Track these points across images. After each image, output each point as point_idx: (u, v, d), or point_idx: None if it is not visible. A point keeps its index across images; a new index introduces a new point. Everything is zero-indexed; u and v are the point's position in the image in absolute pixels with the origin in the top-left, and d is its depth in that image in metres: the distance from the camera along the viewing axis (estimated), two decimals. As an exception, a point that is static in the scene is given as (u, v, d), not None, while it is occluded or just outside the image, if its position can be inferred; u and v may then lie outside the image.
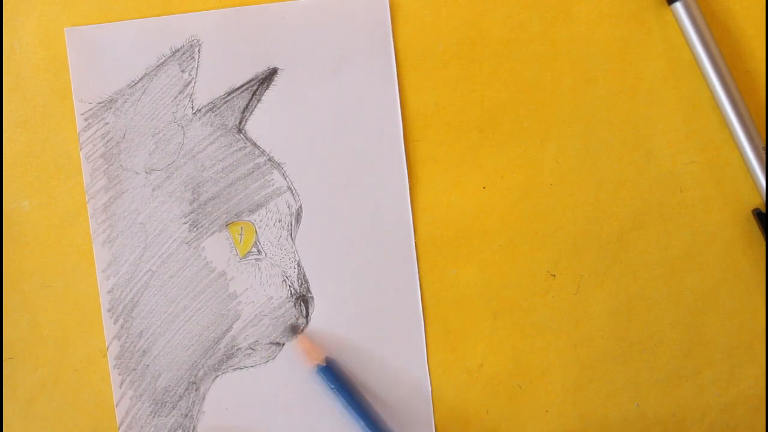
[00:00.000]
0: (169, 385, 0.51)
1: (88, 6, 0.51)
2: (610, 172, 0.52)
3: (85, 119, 0.50)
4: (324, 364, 0.50)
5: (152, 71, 0.50)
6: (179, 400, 0.51)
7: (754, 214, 0.52)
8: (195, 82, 0.50)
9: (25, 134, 0.51)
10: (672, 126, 0.52)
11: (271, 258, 0.51)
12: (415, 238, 0.52)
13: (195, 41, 0.50)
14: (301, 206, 0.51)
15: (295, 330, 0.51)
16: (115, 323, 0.51)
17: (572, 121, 0.52)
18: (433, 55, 0.52)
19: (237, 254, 0.51)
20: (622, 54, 0.52)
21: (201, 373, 0.51)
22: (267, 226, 0.51)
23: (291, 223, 0.51)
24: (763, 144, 0.51)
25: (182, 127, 0.50)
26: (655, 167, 0.52)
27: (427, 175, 0.52)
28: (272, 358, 0.51)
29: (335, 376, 0.50)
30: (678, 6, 0.50)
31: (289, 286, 0.51)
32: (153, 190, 0.51)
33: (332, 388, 0.50)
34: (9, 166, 0.51)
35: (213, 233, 0.51)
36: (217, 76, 0.50)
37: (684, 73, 0.52)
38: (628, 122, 0.52)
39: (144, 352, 0.51)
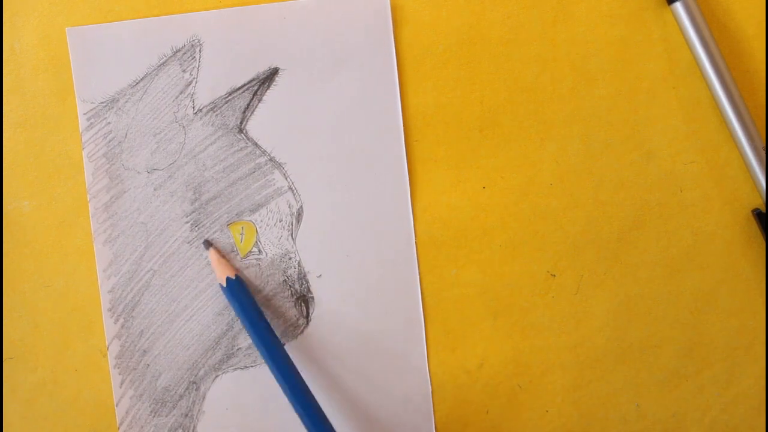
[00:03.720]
0: (170, 385, 0.51)
1: (88, 6, 0.51)
2: (610, 172, 0.52)
3: (88, 119, 0.50)
4: (224, 284, 0.50)
5: (153, 71, 0.50)
6: (179, 400, 0.51)
7: (754, 214, 0.52)
8: (196, 82, 0.50)
9: (25, 134, 0.51)
10: (672, 126, 0.52)
11: (271, 258, 0.51)
12: (415, 238, 0.52)
13: (196, 41, 0.50)
14: (301, 206, 0.51)
15: (207, 245, 0.51)
16: (115, 323, 0.51)
17: (572, 121, 0.52)
18: (433, 55, 0.52)
19: (238, 254, 0.51)
20: (622, 54, 0.52)
21: (201, 372, 0.51)
22: (268, 225, 0.51)
23: (292, 222, 0.51)
24: (763, 144, 0.51)
25: (183, 126, 0.50)
26: (655, 167, 0.52)
27: (427, 175, 0.52)
28: (273, 358, 0.51)
29: (238, 295, 0.50)
30: (678, 6, 0.50)
31: (290, 286, 0.51)
32: (154, 189, 0.51)
33: (234, 308, 0.50)
34: (9, 166, 0.51)
35: (214, 233, 0.51)
36: (218, 75, 0.50)
37: (684, 73, 0.52)
38: (628, 122, 0.52)
39: (144, 351, 0.51)
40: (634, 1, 0.52)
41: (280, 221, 0.51)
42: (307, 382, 0.51)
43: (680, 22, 0.51)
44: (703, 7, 0.51)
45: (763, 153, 0.51)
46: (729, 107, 0.51)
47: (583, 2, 0.52)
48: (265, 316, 0.50)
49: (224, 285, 0.50)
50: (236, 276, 0.50)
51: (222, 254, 0.51)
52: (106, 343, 0.51)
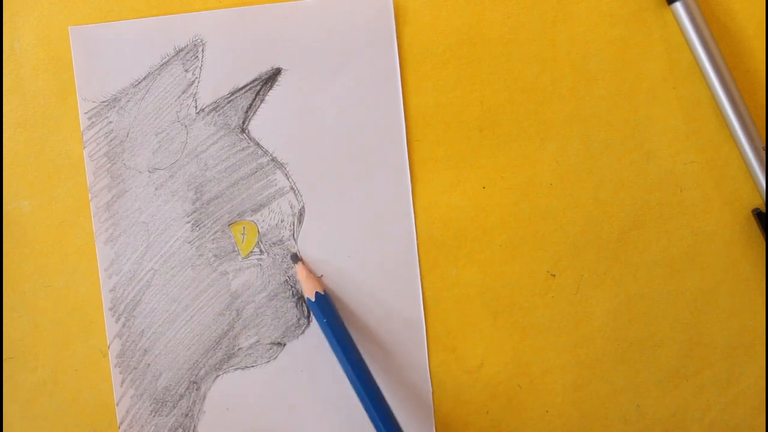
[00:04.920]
0: (170, 385, 0.51)
1: (88, 6, 0.51)
2: (610, 172, 0.52)
3: (89, 118, 0.50)
4: (313, 299, 0.50)
5: (156, 70, 0.50)
6: (180, 400, 0.51)
7: (754, 214, 0.52)
8: (198, 82, 0.50)
9: (25, 134, 0.51)
10: (672, 126, 0.52)
11: (273, 258, 0.51)
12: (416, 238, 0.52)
13: (199, 41, 0.50)
14: (303, 206, 0.51)
15: (295, 259, 0.51)
16: (116, 322, 0.51)
17: (572, 121, 0.52)
18: (433, 55, 0.52)
19: (239, 254, 0.51)
20: (622, 54, 0.52)
21: (202, 372, 0.51)
22: (269, 226, 0.51)
23: (293, 223, 0.51)
24: (763, 144, 0.51)
25: (185, 126, 0.50)
26: (655, 167, 0.52)
27: (427, 175, 0.52)
28: (273, 359, 0.51)
29: (325, 309, 0.50)
30: (678, 6, 0.50)
31: (291, 287, 0.51)
32: (156, 189, 0.51)
33: (323, 322, 0.50)
34: (9, 166, 0.51)
35: (215, 233, 0.51)
36: (221, 75, 0.50)
37: (684, 73, 0.52)
38: (628, 122, 0.52)
39: (145, 351, 0.51)
40: (634, 1, 0.52)
41: (281, 221, 0.51)
42: (306, 383, 0.51)
43: (680, 22, 0.51)
44: (703, 7, 0.51)
45: (763, 153, 0.51)
46: (729, 107, 0.51)
47: (583, 2, 0.52)
48: (350, 332, 0.50)
49: (312, 300, 0.50)
50: (324, 291, 0.51)
51: (309, 269, 0.51)
52: (107, 342, 0.51)
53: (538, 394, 0.53)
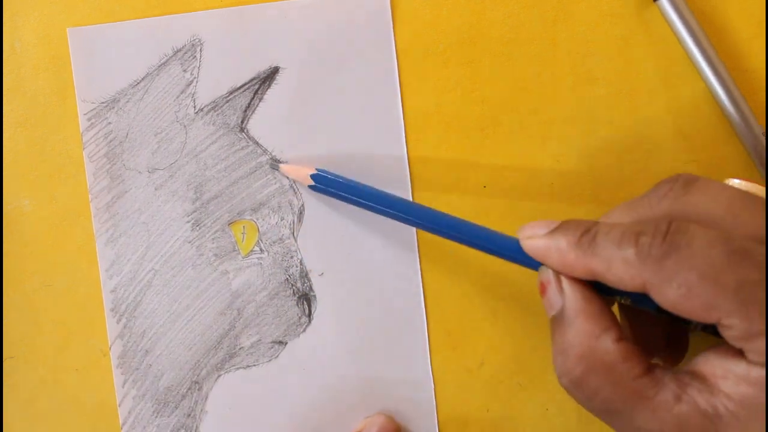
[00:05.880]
0: (172, 385, 0.51)
1: (88, 6, 0.51)
2: (610, 172, 0.52)
3: (88, 119, 0.50)
4: (312, 182, 0.49)
5: (154, 71, 0.50)
6: (182, 400, 0.51)
7: (754, 214, 0.52)
8: (197, 82, 0.50)
9: (26, 134, 0.51)
10: (672, 126, 0.52)
11: (273, 257, 0.51)
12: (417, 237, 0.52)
13: (197, 41, 0.50)
14: (303, 205, 0.51)
15: (275, 164, 0.51)
16: (117, 322, 0.51)
17: (572, 121, 0.52)
18: (433, 55, 0.52)
19: (239, 253, 0.51)
20: (622, 54, 0.52)
21: (204, 372, 0.51)
22: (269, 224, 0.51)
23: (293, 221, 0.51)
24: (764, 144, 0.51)
25: (184, 126, 0.51)
26: (655, 167, 0.52)
27: (428, 175, 0.52)
28: (275, 357, 0.51)
29: (330, 182, 0.49)
30: (664, 3, 0.50)
31: (292, 285, 0.51)
32: (156, 189, 0.51)
33: (332, 193, 0.49)
34: (9, 165, 0.51)
35: (215, 232, 0.51)
36: (219, 75, 0.51)
37: (684, 73, 0.52)
38: (628, 122, 0.52)
39: (147, 351, 0.51)
40: (635, 0, 0.52)
41: (281, 220, 0.51)
42: (308, 381, 0.51)
43: (667, 18, 0.51)
44: (703, 6, 0.51)
45: (764, 153, 0.51)
46: (729, 107, 0.51)
47: (584, 2, 0.52)
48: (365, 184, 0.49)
49: (312, 183, 0.49)
50: (316, 169, 0.50)
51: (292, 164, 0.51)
52: (109, 343, 0.51)
53: (538, 392, 0.53)
